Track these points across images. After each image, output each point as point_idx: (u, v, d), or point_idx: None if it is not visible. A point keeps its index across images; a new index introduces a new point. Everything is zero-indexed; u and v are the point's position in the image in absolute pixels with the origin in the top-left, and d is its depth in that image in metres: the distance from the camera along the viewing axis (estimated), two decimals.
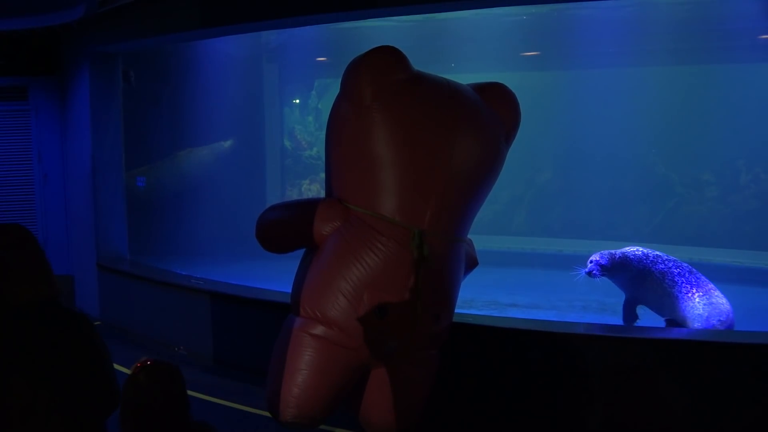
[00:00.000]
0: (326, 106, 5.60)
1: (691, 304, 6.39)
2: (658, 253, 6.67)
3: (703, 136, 12.50)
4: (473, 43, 11.08)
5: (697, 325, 6.20)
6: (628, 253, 6.65)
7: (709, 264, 10.52)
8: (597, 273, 6.62)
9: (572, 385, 5.26)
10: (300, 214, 4.28)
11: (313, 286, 4.10)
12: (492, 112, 4.22)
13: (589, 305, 8.53)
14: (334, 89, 4.46)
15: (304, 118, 14.73)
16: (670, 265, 6.57)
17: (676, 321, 6.51)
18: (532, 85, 12.56)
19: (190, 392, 2.76)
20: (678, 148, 12.65)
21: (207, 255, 9.75)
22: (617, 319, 7.84)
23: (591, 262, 6.64)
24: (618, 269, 6.66)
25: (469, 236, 4.48)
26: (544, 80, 13.10)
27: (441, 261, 4.06)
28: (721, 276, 9.90)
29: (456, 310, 5.64)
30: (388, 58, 4.08)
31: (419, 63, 4.28)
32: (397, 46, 4.17)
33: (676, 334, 5.61)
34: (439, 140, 3.99)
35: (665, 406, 5.03)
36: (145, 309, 7.75)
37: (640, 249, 6.70)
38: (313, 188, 13.40)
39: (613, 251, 6.72)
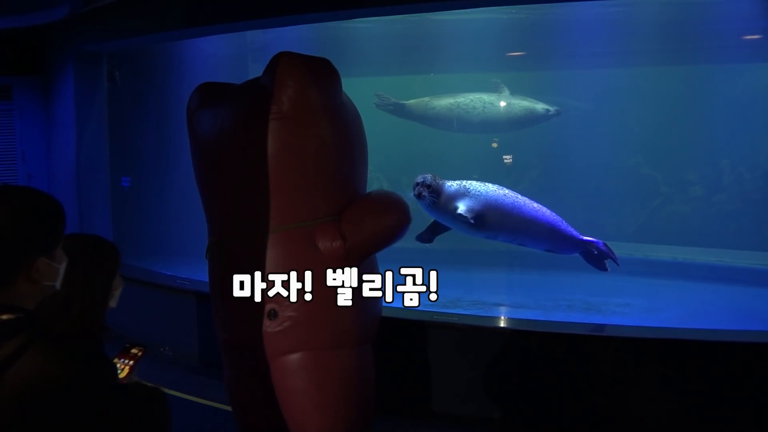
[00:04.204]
0: None
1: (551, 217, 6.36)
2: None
3: (687, 136, 12.54)
4: (458, 43, 11.07)
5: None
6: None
7: (693, 263, 10.56)
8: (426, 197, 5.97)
9: (559, 384, 5.28)
10: None
11: None
12: (263, 92, 3.95)
13: (575, 304, 8.54)
14: None
15: None
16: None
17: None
18: (517, 86, 12.59)
19: (176, 393, 2.72)
20: (662, 147, 12.68)
21: (192, 255, 9.68)
22: (603, 318, 7.88)
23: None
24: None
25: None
26: (529, 81, 13.12)
27: (247, 259, 3.94)
28: (705, 275, 9.96)
29: (442, 310, 5.66)
30: (196, 91, 4.47)
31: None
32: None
33: (656, 333, 5.63)
34: (201, 154, 4.26)
35: (649, 404, 5.05)
36: (130, 309, 7.67)
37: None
38: None
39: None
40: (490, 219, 6.06)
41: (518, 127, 11.69)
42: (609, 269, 6.57)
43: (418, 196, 5.86)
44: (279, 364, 3.93)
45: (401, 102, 11.43)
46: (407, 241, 4.51)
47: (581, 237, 6.44)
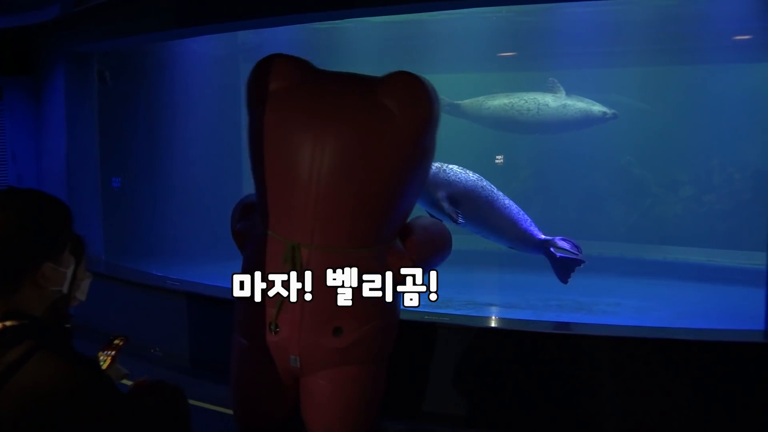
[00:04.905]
0: None
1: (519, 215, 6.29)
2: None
3: (678, 136, 12.60)
4: (449, 44, 11.09)
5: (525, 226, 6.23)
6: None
7: (685, 263, 10.61)
8: None
9: (549, 384, 5.28)
10: (234, 211, 4.50)
11: None
12: (385, 112, 3.76)
13: (566, 304, 8.57)
14: None
15: None
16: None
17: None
18: (508, 86, 12.61)
19: None
20: (653, 148, 12.73)
21: (183, 255, 9.68)
22: (593, 318, 7.90)
23: None
24: None
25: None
26: (521, 81, 13.13)
27: (325, 273, 3.79)
28: (696, 275, 10.00)
29: (433, 310, 5.66)
30: (274, 63, 4.00)
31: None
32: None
33: (647, 333, 5.64)
34: (306, 149, 3.78)
35: (640, 403, 5.07)
36: (121, 310, 7.69)
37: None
38: None
39: None
40: (464, 208, 6.03)
41: (572, 129, 11.40)
42: (568, 283, 6.53)
43: None
44: (328, 374, 3.95)
45: (456, 102, 11.30)
46: None
47: (539, 236, 6.42)
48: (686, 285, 9.66)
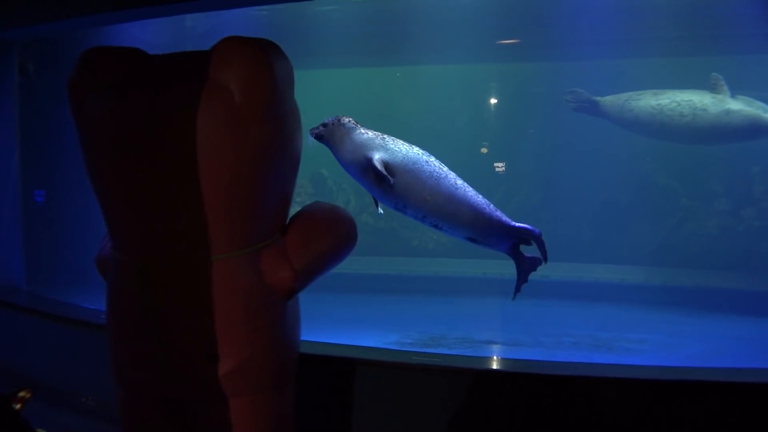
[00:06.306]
0: None
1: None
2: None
3: None
4: (441, 30, 11.11)
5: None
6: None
7: (720, 290, 10.61)
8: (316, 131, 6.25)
9: None
10: None
11: None
12: (220, 92, 3.73)
13: (581, 341, 8.55)
14: None
15: None
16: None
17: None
18: (510, 78, 12.67)
19: None
20: (681, 153, 12.77)
21: None
22: (615, 357, 7.89)
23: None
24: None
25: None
26: (524, 73, 13.19)
27: (185, 291, 3.80)
28: (733, 304, 10.00)
29: (423, 349, 5.62)
30: (93, 59, 4.10)
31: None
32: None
33: (677, 375, 5.62)
34: (135, 151, 3.80)
35: None
36: (45, 350, 7.61)
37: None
38: None
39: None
40: (399, 182, 6.05)
41: (736, 140, 10.97)
42: (522, 292, 6.60)
43: (311, 131, 6.10)
44: (218, 409, 3.93)
45: (595, 98, 11.15)
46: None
47: (512, 223, 6.44)
48: (723, 316, 9.67)
